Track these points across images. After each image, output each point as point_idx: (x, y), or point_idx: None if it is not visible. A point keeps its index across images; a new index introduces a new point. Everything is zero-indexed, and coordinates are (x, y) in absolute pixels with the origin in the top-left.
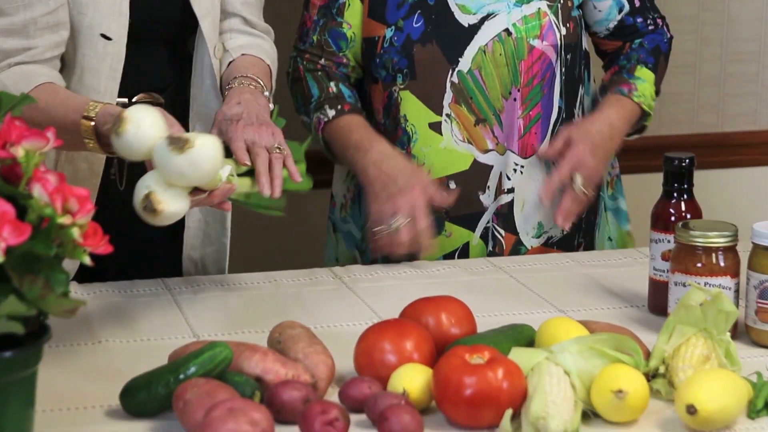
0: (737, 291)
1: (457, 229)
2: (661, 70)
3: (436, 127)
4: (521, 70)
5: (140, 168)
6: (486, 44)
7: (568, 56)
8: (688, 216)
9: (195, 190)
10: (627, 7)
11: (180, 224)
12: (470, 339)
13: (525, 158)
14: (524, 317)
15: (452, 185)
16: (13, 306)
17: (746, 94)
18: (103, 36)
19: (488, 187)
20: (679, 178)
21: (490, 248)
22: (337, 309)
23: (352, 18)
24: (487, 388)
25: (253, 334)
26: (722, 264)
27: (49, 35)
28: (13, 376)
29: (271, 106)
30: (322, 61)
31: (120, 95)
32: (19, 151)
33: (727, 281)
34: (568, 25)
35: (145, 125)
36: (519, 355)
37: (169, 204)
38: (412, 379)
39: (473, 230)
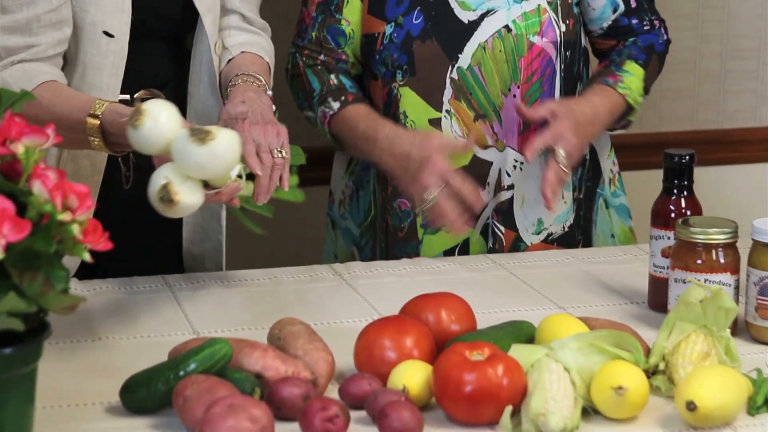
0: (737, 288)
1: None
2: (653, 68)
3: (435, 123)
4: (521, 66)
5: (144, 167)
6: (486, 41)
7: (568, 53)
8: (688, 213)
9: (205, 186)
10: (622, 8)
11: (178, 221)
12: (470, 336)
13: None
14: (524, 314)
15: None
16: (13, 303)
17: (746, 90)
18: (106, 33)
19: (488, 183)
20: (679, 175)
21: (490, 245)
22: (337, 306)
23: (351, 15)
24: (487, 385)
25: (253, 330)
26: (722, 261)
27: (52, 32)
28: (13, 373)
29: (274, 107)
30: (322, 57)
31: (121, 92)
32: (19, 148)
33: (727, 278)
34: (567, 21)
35: (162, 119)
36: (519, 352)
37: (186, 196)
38: (412, 375)
39: (473, 226)
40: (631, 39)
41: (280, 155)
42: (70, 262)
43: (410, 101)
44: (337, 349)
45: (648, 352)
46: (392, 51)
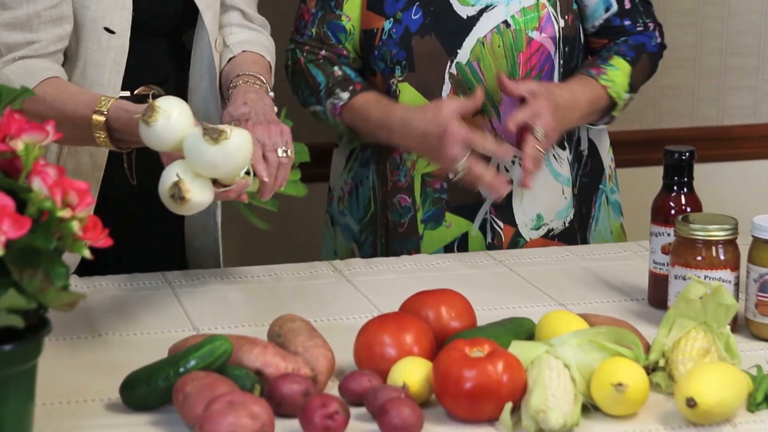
0: (737, 284)
1: (455, 219)
2: (642, 67)
3: None
4: (520, 62)
5: (147, 163)
6: (485, 36)
7: (566, 48)
8: (688, 209)
9: (214, 183)
10: (615, 8)
11: (180, 216)
12: (470, 332)
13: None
14: (524, 310)
15: (450, 174)
16: (13, 299)
17: (746, 87)
18: (107, 29)
19: None
20: (679, 172)
21: (489, 240)
22: (337, 302)
23: (351, 10)
24: (487, 382)
25: (252, 327)
26: (722, 257)
27: (52, 29)
28: (13, 370)
29: (275, 108)
30: (323, 52)
31: (121, 89)
32: (19, 145)
33: (727, 274)
34: (566, 17)
35: (174, 116)
36: (519, 349)
37: (197, 193)
38: (412, 372)
39: (472, 220)
40: (623, 38)
41: (285, 154)
42: (71, 259)
43: (409, 97)
44: (337, 345)
45: (648, 348)
46: (391, 47)
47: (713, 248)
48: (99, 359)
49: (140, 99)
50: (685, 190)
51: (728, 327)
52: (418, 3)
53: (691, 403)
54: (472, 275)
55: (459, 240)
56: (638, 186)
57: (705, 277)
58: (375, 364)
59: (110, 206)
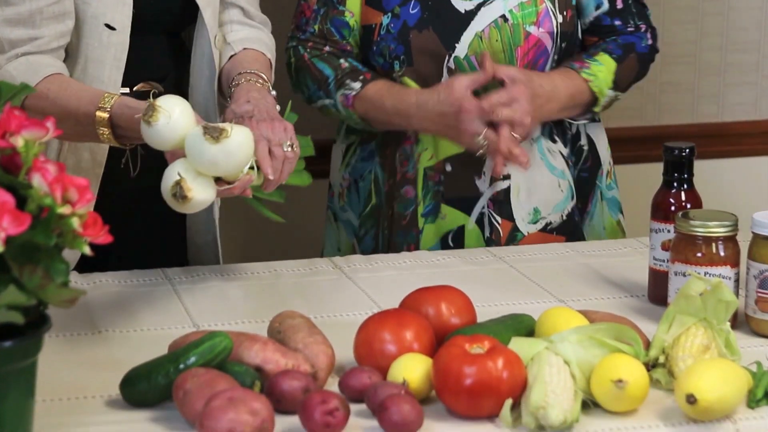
0: (737, 281)
1: (451, 212)
2: (629, 66)
3: None
4: (517, 56)
5: (148, 158)
6: (482, 30)
7: (563, 44)
8: (688, 206)
9: (218, 181)
10: (605, 6)
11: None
12: (470, 329)
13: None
14: (524, 307)
15: (448, 168)
16: (12, 296)
17: (746, 83)
18: (107, 26)
19: (484, 172)
20: (679, 168)
21: (487, 234)
22: (337, 299)
23: (353, 6)
24: (487, 378)
25: (252, 324)
26: (722, 254)
27: (54, 25)
28: (13, 366)
29: (278, 106)
30: (327, 48)
31: (121, 85)
32: (19, 141)
33: (727, 271)
34: (565, 13)
35: (175, 115)
36: (519, 345)
37: (199, 192)
38: (412, 369)
39: (468, 214)
40: (612, 37)
41: (290, 149)
42: (70, 255)
43: None
44: (337, 342)
45: (648, 345)
46: (389, 41)
47: (713, 245)
48: (99, 356)
49: (141, 96)
50: (685, 186)
51: (728, 323)
52: None
53: (691, 399)
54: (472, 272)
55: (455, 233)
56: (638, 182)
57: (705, 273)
58: (375, 361)
59: (110, 203)
